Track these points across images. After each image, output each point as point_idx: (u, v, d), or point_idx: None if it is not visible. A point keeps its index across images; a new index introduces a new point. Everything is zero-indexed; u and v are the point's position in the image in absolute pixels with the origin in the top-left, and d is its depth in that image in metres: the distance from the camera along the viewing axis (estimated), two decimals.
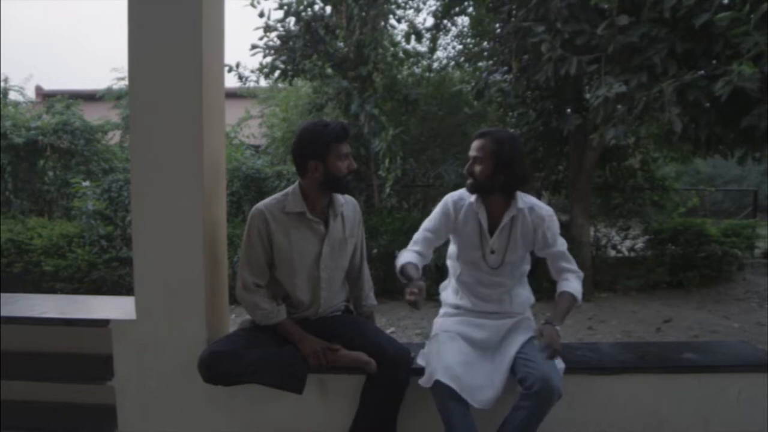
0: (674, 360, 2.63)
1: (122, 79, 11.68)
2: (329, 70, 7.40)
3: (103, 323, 2.61)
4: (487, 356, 2.45)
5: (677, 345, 3.18)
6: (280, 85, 10.83)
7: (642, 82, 4.88)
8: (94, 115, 10.41)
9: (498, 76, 7.01)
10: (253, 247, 2.46)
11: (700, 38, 4.82)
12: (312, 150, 2.41)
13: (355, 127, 7.69)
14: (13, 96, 11.08)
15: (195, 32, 2.48)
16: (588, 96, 6.98)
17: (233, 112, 10.60)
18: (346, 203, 2.63)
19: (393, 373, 2.41)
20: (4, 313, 2.74)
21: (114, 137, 10.72)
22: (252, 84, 8.30)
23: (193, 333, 2.58)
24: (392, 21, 8.19)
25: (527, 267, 2.63)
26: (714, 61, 4.81)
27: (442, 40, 9.67)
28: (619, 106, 5.09)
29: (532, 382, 2.19)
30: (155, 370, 2.61)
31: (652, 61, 4.89)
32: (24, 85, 11.45)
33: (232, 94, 12.17)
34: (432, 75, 9.19)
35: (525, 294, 2.64)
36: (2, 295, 3.15)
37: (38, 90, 17.40)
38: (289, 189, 2.54)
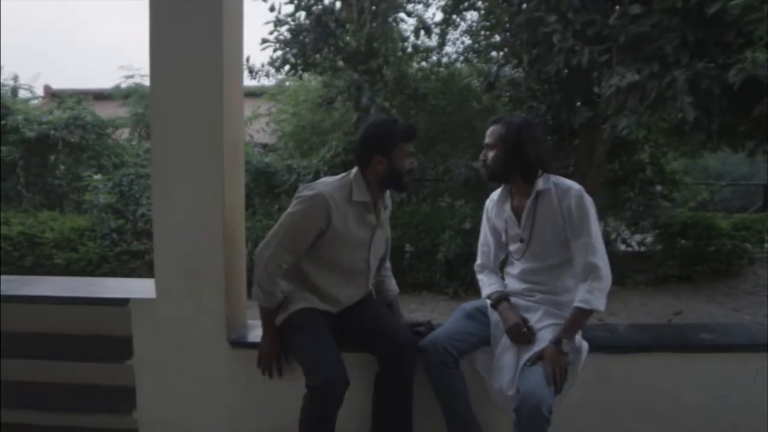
0: (692, 340, 2.64)
1: (131, 77, 11.75)
2: (340, 63, 7.41)
3: (123, 302, 2.64)
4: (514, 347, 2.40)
5: (694, 326, 3.18)
6: (288, 83, 10.91)
7: (654, 72, 4.88)
8: (103, 113, 10.41)
9: (508, 70, 7.00)
10: (302, 231, 2.38)
11: (712, 27, 4.82)
12: (379, 145, 2.39)
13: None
14: (22, 94, 11.18)
15: (215, 15, 2.49)
16: (598, 89, 7.00)
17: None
18: (388, 197, 2.64)
19: (405, 362, 2.43)
20: (23, 293, 2.77)
21: (124, 134, 10.76)
22: (263, 79, 8.34)
23: (212, 313, 2.60)
24: (402, 15, 8.20)
25: (570, 255, 2.38)
26: (726, 50, 4.80)
27: (451, 35, 9.65)
28: (629, 98, 5.08)
29: (518, 398, 2.15)
30: (175, 349, 2.63)
31: (663, 51, 4.88)
32: (32, 84, 11.55)
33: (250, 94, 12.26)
34: (441, 69, 9.19)
35: (563, 285, 2.43)
36: (21, 277, 3.18)
37: (47, 89, 17.45)
38: (350, 176, 2.47)
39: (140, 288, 2.81)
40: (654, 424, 2.56)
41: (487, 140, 2.47)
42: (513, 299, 2.51)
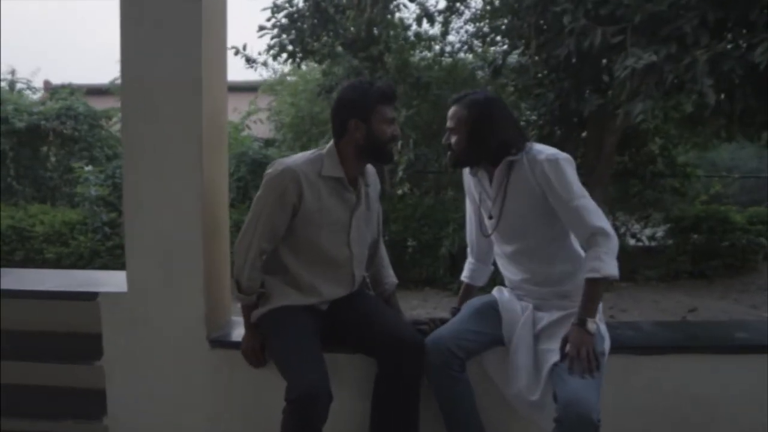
0: (728, 339, 2.35)
1: None
2: (339, 49, 7.12)
3: (91, 296, 2.36)
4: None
5: (726, 324, 2.89)
6: (288, 73, 10.65)
7: (671, 54, 4.59)
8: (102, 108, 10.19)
9: (515, 57, 6.72)
10: (275, 212, 2.13)
11: (733, 6, 4.53)
12: (354, 108, 2.13)
13: None
14: (20, 89, 10.92)
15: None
16: (608, 76, 6.72)
17: (242, 106, 10.51)
18: (371, 173, 2.36)
19: (408, 362, 2.15)
20: None
21: (118, 125, 10.48)
22: (263, 71, 8.09)
23: (190, 308, 2.32)
24: (404, 0, 7.91)
25: (560, 232, 2.14)
26: (750, 30, 4.51)
27: (455, 23, 9.37)
28: (645, 81, 4.79)
29: (558, 407, 1.86)
30: (148, 349, 2.35)
31: (682, 31, 4.59)
32: (32, 79, 11.26)
33: (240, 88, 12.09)
34: (445, 58, 8.91)
35: (560, 270, 2.15)
36: None
37: (47, 84, 17.20)
38: (322, 150, 2.21)
39: (111, 281, 2.53)
40: None
41: (449, 123, 2.19)
42: (507, 296, 2.28)
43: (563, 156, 2.09)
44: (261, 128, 10.91)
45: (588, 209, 2.01)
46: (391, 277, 2.52)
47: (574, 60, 5.18)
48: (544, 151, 2.11)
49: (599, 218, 2.01)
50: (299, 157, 2.22)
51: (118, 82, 8.93)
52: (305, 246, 2.22)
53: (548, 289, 2.18)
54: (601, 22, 5.00)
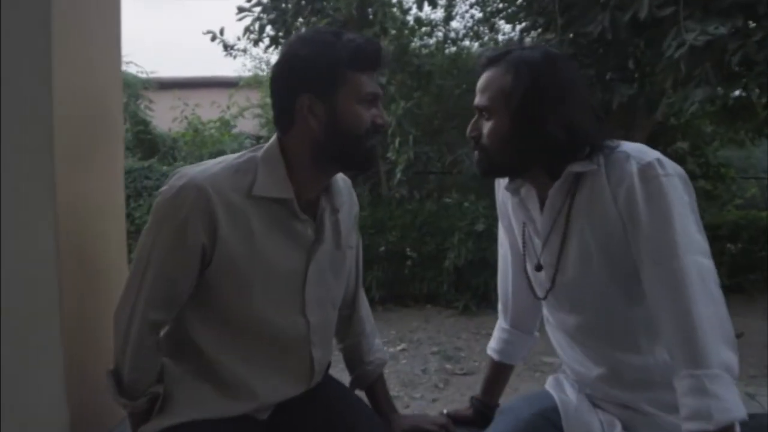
0: None
1: None
2: None
3: None
4: None
5: None
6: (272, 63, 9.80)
7: (737, 28, 3.67)
8: None
9: (533, 38, 5.81)
10: (168, 258, 1.24)
11: None
12: (307, 76, 1.23)
13: None
14: None
15: None
16: (633, 63, 5.87)
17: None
18: (344, 188, 1.45)
19: None
20: None
21: None
22: (242, 55, 7.21)
23: (41, 400, 1.39)
24: None
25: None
26: None
27: (460, 7, 8.54)
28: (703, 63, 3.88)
29: None
30: None
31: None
32: None
33: (232, 83, 11.33)
34: (448, 46, 8.07)
35: (663, 363, 1.23)
36: None
37: None
38: (256, 152, 1.33)
39: None
40: None
41: (479, 99, 1.28)
42: (574, 399, 1.36)
43: (671, 169, 1.17)
44: (248, 124, 10.14)
45: (688, 279, 1.11)
46: (378, 351, 1.62)
47: (610, 36, 4.25)
48: (636, 155, 1.19)
49: (712, 300, 1.10)
50: (214, 165, 1.29)
51: None
52: (229, 315, 1.30)
53: (645, 394, 1.26)
54: None
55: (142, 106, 9.41)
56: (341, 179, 1.44)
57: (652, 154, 1.18)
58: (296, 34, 1.28)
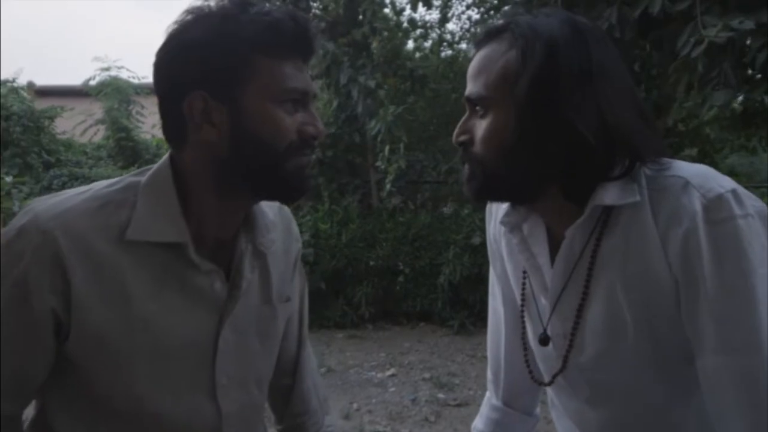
0: None
1: (106, 69, 10.05)
2: None
3: None
4: None
5: None
6: None
7: (762, 24, 3.31)
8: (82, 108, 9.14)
9: None
10: (11, 331, 0.86)
11: None
12: (196, 65, 0.86)
13: (347, 108, 6.15)
14: None
15: None
16: (638, 67, 5.54)
17: None
18: (277, 220, 1.07)
19: None
20: None
21: (98, 133, 9.16)
22: None
23: None
24: None
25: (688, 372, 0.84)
26: None
27: (456, 8, 8.23)
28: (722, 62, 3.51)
29: None
30: None
31: None
32: (15, 80, 9.87)
33: None
34: (445, 48, 7.76)
35: None
36: None
37: (30, 85, 16.09)
38: (139, 177, 0.95)
39: None
40: None
41: (472, 89, 0.90)
42: None
43: (752, 207, 0.79)
44: None
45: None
46: (328, 427, 1.22)
47: (618, 35, 3.87)
48: (699, 182, 0.82)
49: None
50: (74, 196, 0.91)
51: (93, 82, 7.70)
52: (104, 404, 0.93)
53: None
54: None
55: (133, 112, 9.06)
56: (271, 208, 1.05)
57: (723, 183, 0.79)
58: (186, 9, 0.88)
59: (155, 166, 0.93)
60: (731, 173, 7.51)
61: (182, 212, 0.90)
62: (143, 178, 0.92)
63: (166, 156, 0.93)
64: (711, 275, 0.76)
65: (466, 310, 6.12)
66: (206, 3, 0.88)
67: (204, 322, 0.94)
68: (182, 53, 0.85)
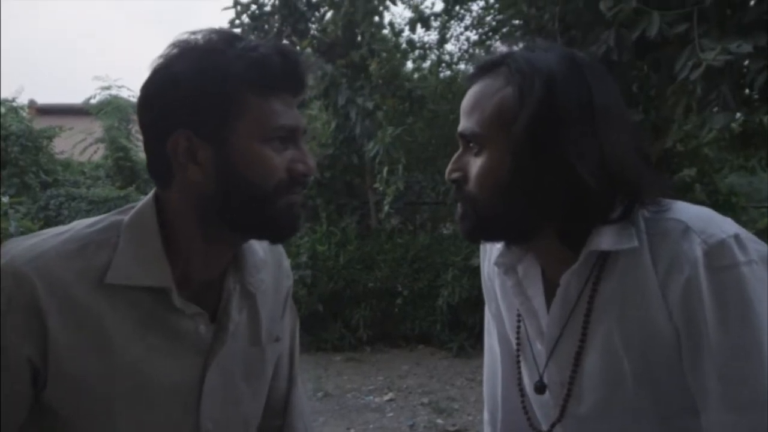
0: None
1: (107, 88, 10.11)
2: (309, 51, 5.82)
3: None
4: None
5: None
6: None
7: (760, 47, 3.30)
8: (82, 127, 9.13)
9: None
10: None
11: None
12: (181, 103, 0.83)
13: (345, 129, 6.14)
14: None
15: None
16: (636, 88, 5.55)
17: None
18: (267, 257, 1.04)
19: None
20: None
21: (98, 152, 9.18)
22: None
23: None
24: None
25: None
26: None
27: (454, 30, 8.24)
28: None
29: None
30: None
31: None
32: (16, 98, 9.93)
33: None
34: (443, 69, 7.77)
35: None
36: None
37: (32, 104, 16.17)
38: (122, 215, 0.92)
39: None
40: None
41: (466, 125, 0.87)
42: None
43: (755, 253, 0.76)
44: None
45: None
46: None
47: (615, 58, 3.88)
48: (700, 227, 0.79)
49: None
50: (53, 236, 0.88)
51: (94, 100, 7.74)
52: None
53: None
54: (655, 4, 3.75)
55: (133, 131, 9.09)
56: (262, 245, 1.01)
57: (725, 228, 0.76)
58: (172, 42, 0.86)
59: (139, 205, 0.90)
60: (731, 193, 7.52)
61: (166, 254, 0.86)
62: (126, 217, 0.89)
63: (150, 194, 0.91)
64: (714, 328, 0.73)
65: (465, 332, 6.07)
66: (193, 36, 0.86)
67: (188, 365, 0.90)
68: (166, 89, 0.83)
